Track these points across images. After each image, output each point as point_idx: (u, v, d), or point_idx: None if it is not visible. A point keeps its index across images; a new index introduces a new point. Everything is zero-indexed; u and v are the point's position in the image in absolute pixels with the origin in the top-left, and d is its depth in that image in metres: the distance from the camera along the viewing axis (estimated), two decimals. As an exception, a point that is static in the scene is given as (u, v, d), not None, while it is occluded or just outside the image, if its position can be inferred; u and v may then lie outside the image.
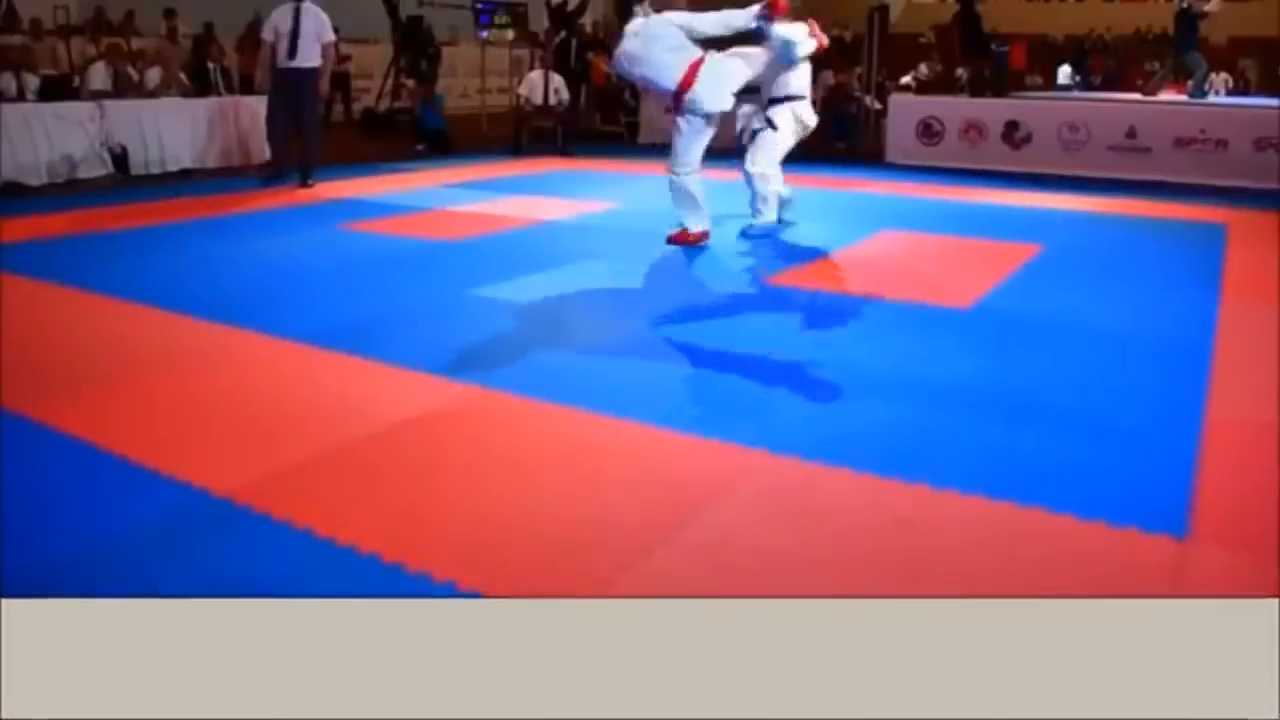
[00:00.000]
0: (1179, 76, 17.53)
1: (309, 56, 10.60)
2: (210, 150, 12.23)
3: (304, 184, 10.70)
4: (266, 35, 10.66)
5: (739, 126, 8.47)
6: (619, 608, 2.28)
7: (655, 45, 7.32)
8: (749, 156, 8.09)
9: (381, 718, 2.02)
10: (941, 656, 2.04)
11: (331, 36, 11.07)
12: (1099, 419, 4.31)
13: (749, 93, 7.96)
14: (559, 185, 11.31)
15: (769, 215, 8.12)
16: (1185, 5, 17.28)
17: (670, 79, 7.31)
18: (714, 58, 7.40)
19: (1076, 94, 18.87)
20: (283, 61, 10.51)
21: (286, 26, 10.46)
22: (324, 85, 11.20)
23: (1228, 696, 2.01)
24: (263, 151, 11.73)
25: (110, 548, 3.12)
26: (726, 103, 7.46)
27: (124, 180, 11.17)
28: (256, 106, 11.76)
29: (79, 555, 3.08)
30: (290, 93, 10.66)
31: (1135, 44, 27.89)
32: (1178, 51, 17.06)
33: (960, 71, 15.29)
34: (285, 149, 10.97)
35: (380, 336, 5.35)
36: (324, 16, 10.88)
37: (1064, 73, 23.38)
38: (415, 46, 17.32)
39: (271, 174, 10.88)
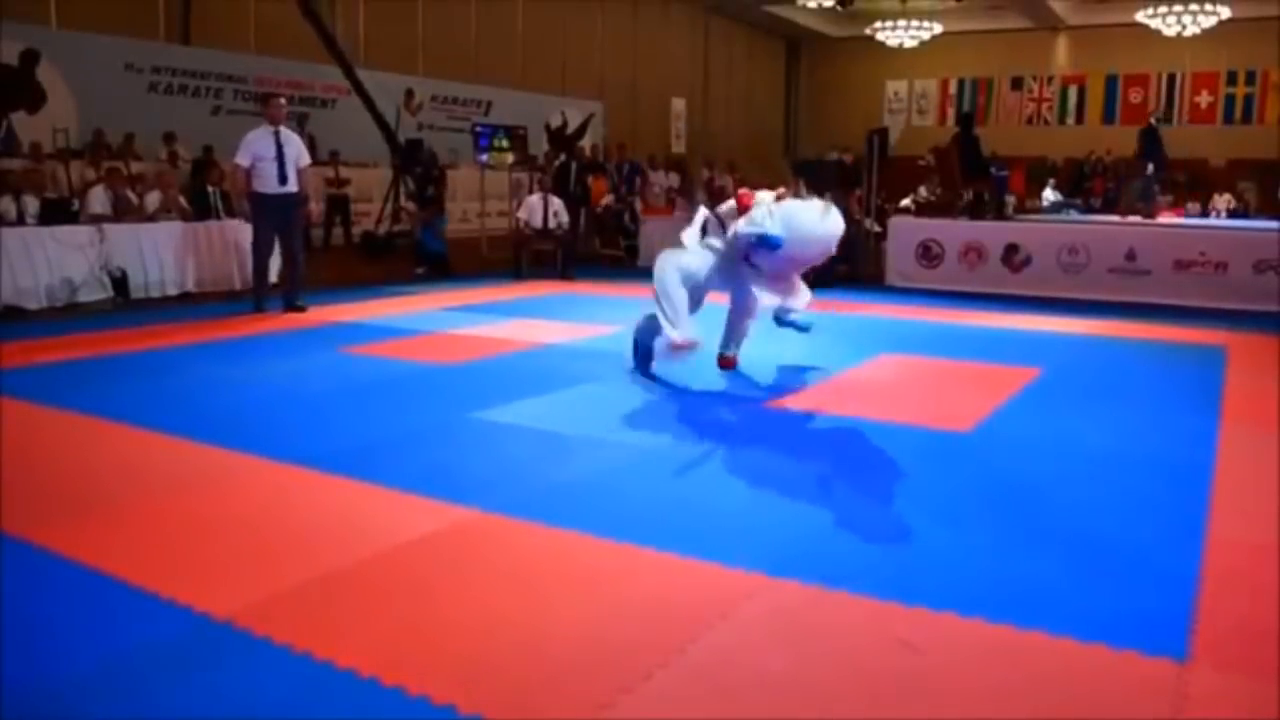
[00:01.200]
0: (1160, 190, 18.09)
1: (295, 181, 10.67)
2: (209, 274, 12.30)
3: (294, 308, 10.67)
4: (242, 160, 10.61)
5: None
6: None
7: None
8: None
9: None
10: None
11: (308, 161, 11.16)
12: (1099, 542, 4.32)
13: None
14: (559, 309, 11.37)
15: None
16: (1153, 123, 17.79)
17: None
18: None
19: (1075, 216, 19.09)
20: (272, 187, 10.50)
21: (270, 152, 10.48)
22: (315, 209, 11.26)
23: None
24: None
25: (111, 672, 3.12)
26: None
27: (124, 304, 11.23)
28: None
29: (79, 680, 3.07)
30: (281, 219, 10.67)
31: (1134, 166, 28.25)
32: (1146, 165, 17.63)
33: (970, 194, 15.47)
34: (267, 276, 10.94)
35: (381, 460, 5.36)
36: (300, 142, 11.00)
37: (1048, 193, 23.56)
38: (419, 170, 17.47)
39: (261, 301, 10.75)
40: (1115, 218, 17.58)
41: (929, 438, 6.02)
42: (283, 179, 10.53)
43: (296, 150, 10.75)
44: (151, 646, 3.27)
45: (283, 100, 11.26)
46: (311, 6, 16.49)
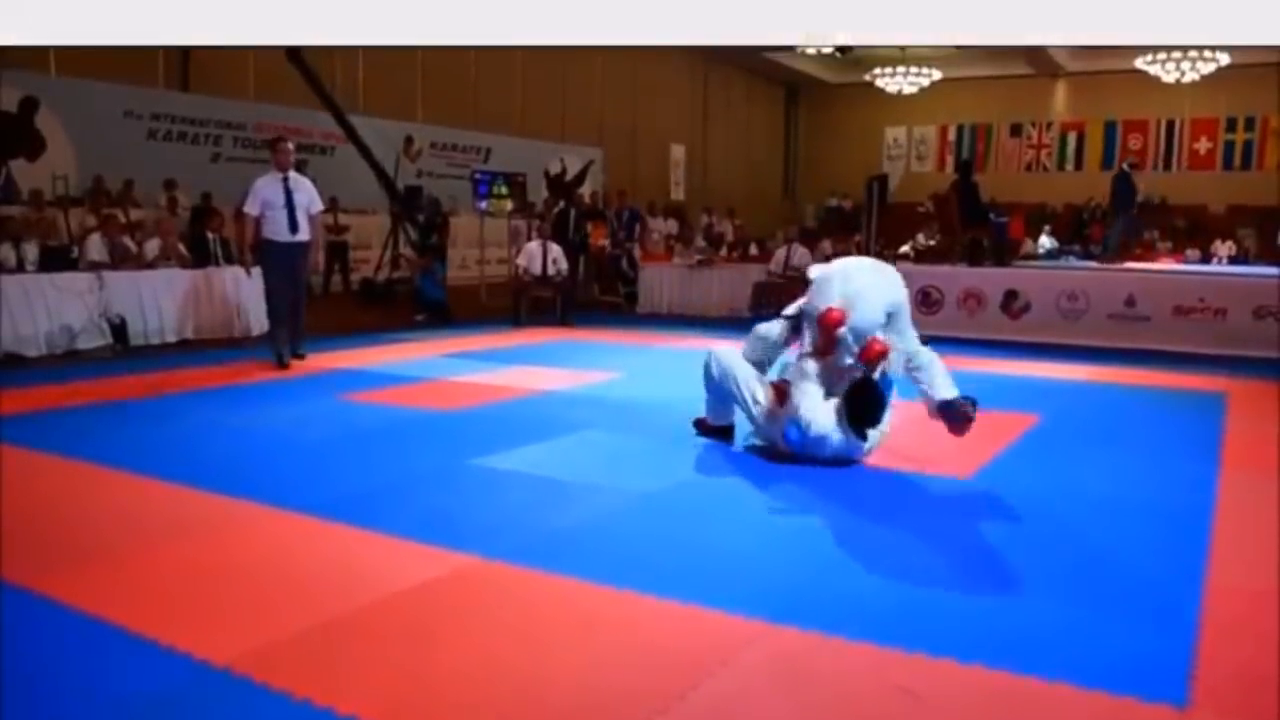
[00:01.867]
0: (1129, 237, 18.21)
1: (304, 230, 10.40)
2: (209, 321, 12.34)
3: (294, 355, 10.50)
4: (251, 209, 10.31)
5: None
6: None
7: None
8: None
9: None
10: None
11: (320, 207, 10.92)
12: (1099, 588, 4.30)
13: None
14: (559, 356, 11.38)
15: None
16: (1126, 169, 17.88)
17: None
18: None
19: (1075, 263, 19.17)
20: (283, 236, 10.23)
21: (279, 200, 10.21)
22: (318, 258, 11.12)
23: None
24: (261, 323, 11.49)
25: (110, 719, 3.12)
26: None
27: (123, 351, 11.24)
28: (253, 277, 11.42)
29: (79, 727, 3.07)
30: (289, 266, 10.37)
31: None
32: (1119, 213, 17.70)
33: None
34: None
35: (381, 507, 5.35)
36: (312, 188, 10.73)
37: (1044, 240, 23.53)
38: (421, 217, 17.47)
39: (283, 353, 10.35)
40: (1093, 264, 17.71)
41: (928, 484, 6.03)
42: (293, 227, 10.26)
43: (307, 197, 10.47)
44: (151, 694, 3.26)
45: (290, 145, 10.90)
46: (299, 53, 16.52)
